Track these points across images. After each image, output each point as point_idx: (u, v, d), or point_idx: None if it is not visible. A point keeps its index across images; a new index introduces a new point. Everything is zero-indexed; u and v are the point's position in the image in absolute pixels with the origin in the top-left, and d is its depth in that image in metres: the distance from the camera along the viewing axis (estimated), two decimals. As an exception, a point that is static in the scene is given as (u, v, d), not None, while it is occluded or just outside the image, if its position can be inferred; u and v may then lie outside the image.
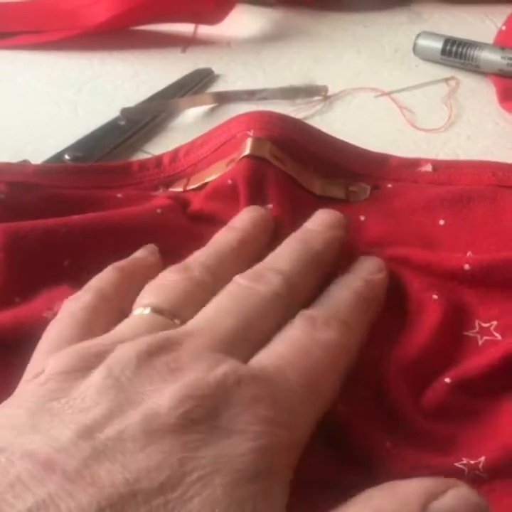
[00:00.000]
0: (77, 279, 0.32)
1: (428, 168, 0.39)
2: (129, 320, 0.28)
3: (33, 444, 0.22)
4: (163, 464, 0.21)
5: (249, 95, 0.49)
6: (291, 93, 0.49)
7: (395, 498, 0.22)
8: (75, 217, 0.34)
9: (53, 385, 0.24)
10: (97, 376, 0.24)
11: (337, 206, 0.37)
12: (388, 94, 0.49)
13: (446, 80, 0.51)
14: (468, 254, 0.34)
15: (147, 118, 0.47)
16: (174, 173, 0.39)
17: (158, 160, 0.40)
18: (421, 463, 0.27)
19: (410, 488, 0.23)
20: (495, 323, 0.31)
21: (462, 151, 0.45)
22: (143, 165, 0.40)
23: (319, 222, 0.34)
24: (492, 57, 0.50)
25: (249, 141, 0.37)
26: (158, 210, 0.35)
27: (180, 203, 0.37)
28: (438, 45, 0.52)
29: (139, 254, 0.33)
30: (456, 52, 0.51)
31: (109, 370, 0.24)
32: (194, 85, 0.51)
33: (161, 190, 0.39)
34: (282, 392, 0.25)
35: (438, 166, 0.39)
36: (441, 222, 0.36)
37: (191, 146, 0.40)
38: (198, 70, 0.52)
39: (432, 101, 0.49)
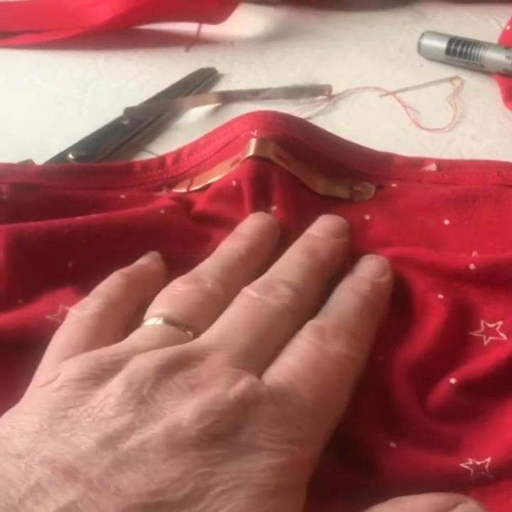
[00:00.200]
0: (80, 281, 0.32)
1: (432, 167, 0.39)
2: (142, 330, 0.28)
3: (52, 450, 0.22)
4: (186, 476, 0.22)
5: (253, 95, 0.49)
6: (295, 93, 0.49)
7: None
8: (79, 218, 0.34)
9: (68, 392, 0.24)
10: (115, 387, 0.24)
11: (341, 206, 0.36)
12: (392, 93, 0.49)
13: (451, 79, 0.51)
14: (474, 253, 0.34)
15: (151, 117, 0.46)
16: (177, 174, 0.39)
17: (161, 160, 0.40)
18: (426, 463, 0.27)
19: (419, 504, 0.23)
20: (500, 323, 0.31)
21: (467, 150, 0.45)
22: (146, 165, 0.40)
23: (323, 228, 0.34)
24: (496, 56, 0.50)
25: (253, 142, 0.36)
26: (162, 211, 0.35)
27: (184, 203, 0.37)
28: (442, 44, 0.52)
29: (143, 261, 0.33)
30: (460, 52, 0.51)
31: (128, 381, 0.24)
32: (198, 85, 0.50)
33: (164, 191, 0.39)
34: (295, 408, 0.25)
35: (442, 165, 0.39)
36: (446, 221, 0.35)
37: (194, 147, 0.40)
38: (202, 70, 0.52)
39: (436, 100, 0.49)
